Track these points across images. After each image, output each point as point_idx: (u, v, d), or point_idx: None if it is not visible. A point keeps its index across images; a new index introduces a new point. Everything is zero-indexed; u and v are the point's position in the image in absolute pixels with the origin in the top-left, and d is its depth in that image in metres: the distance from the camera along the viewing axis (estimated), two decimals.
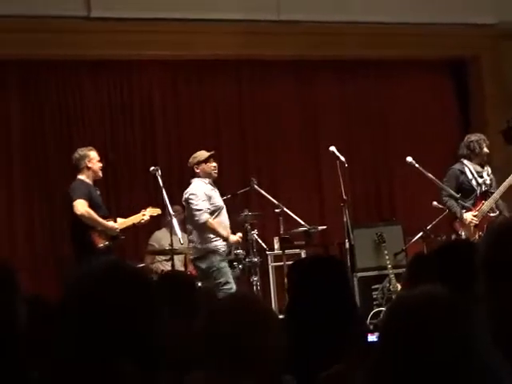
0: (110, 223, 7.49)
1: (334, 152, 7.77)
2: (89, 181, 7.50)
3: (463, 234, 7.54)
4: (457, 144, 10.64)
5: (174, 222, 7.54)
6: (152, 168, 7.72)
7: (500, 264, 2.28)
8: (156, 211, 7.89)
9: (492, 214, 7.59)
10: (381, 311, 8.08)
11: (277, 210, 7.90)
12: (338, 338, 3.14)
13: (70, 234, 7.62)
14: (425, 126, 10.58)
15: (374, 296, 8.82)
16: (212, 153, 7.80)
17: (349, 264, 7.58)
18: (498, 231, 2.44)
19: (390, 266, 8.63)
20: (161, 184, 7.56)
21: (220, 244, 7.66)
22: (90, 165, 7.50)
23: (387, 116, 10.83)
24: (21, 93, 9.37)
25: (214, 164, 7.79)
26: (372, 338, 2.69)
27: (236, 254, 8.08)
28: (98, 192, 7.59)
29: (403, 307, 1.72)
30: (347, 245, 7.65)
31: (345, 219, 7.58)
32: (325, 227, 8.56)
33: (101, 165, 7.62)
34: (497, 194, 7.58)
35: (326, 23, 9.99)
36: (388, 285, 8.52)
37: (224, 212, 7.75)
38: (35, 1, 8.90)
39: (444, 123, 10.87)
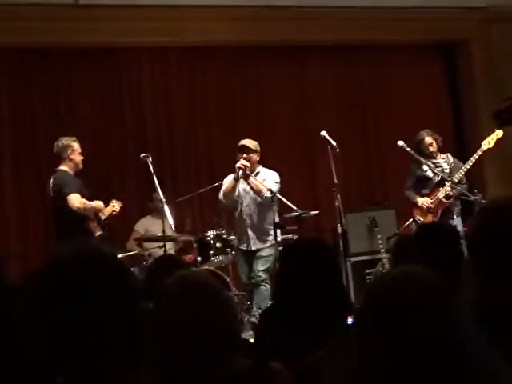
0: (98, 202, 7.54)
1: (325, 137, 7.74)
2: (72, 172, 7.50)
3: (419, 219, 8.34)
4: (448, 127, 10.71)
5: (166, 208, 7.55)
6: (142, 155, 7.71)
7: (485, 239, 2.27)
8: (120, 204, 7.85)
9: (446, 201, 8.28)
10: None
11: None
12: (324, 324, 3.13)
13: (61, 226, 7.49)
14: (416, 110, 10.55)
15: (368, 280, 8.83)
16: None
17: (342, 249, 7.55)
18: (486, 209, 2.45)
19: (383, 251, 8.64)
20: (152, 171, 7.56)
21: None
22: (72, 156, 7.50)
23: (378, 100, 10.83)
24: (10, 81, 9.33)
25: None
26: (350, 320, 2.66)
27: (229, 240, 8.11)
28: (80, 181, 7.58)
29: (380, 287, 1.70)
30: (339, 229, 7.63)
31: (337, 204, 7.57)
32: (317, 212, 8.53)
33: (82, 157, 7.60)
34: (455, 179, 8.18)
35: (314, 8, 9.94)
36: (381, 269, 8.53)
37: None
38: None
39: (435, 107, 10.88)
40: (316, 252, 3.49)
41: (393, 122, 10.57)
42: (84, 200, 7.32)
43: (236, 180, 7.88)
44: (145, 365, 1.91)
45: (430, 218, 8.30)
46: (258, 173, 7.97)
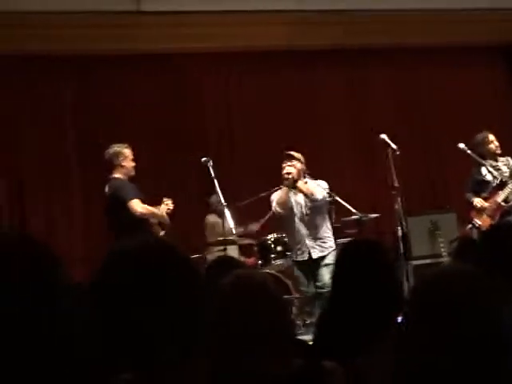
0: (161, 212, 7.52)
1: (384, 139, 7.71)
2: (125, 178, 7.44)
3: (476, 222, 8.33)
4: (510, 130, 10.57)
5: (227, 211, 7.57)
6: (203, 159, 7.76)
7: None
8: (171, 201, 7.75)
9: (504, 204, 8.24)
10: None
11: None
12: (380, 325, 3.13)
13: (123, 232, 7.25)
14: (478, 112, 10.45)
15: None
16: None
17: (402, 252, 7.52)
18: None
19: (445, 254, 8.57)
20: (212, 174, 7.61)
21: None
22: (123, 163, 7.42)
23: (440, 102, 10.74)
24: (75, 87, 9.55)
25: None
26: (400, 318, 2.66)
27: (290, 244, 8.09)
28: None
29: (426, 282, 1.72)
30: (399, 233, 7.59)
31: (397, 207, 7.54)
32: (377, 215, 8.50)
33: (134, 164, 7.51)
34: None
35: (371, 11, 9.95)
36: None
37: None
38: None
39: (497, 109, 10.76)
40: (373, 253, 3.50)
41: (454, 124, 10.47)
42: (146, 205, 7.35)
43: (287, 186, 7.84)
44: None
45: (487, 220, 8.25)
46: (305, 182, 7.90)
